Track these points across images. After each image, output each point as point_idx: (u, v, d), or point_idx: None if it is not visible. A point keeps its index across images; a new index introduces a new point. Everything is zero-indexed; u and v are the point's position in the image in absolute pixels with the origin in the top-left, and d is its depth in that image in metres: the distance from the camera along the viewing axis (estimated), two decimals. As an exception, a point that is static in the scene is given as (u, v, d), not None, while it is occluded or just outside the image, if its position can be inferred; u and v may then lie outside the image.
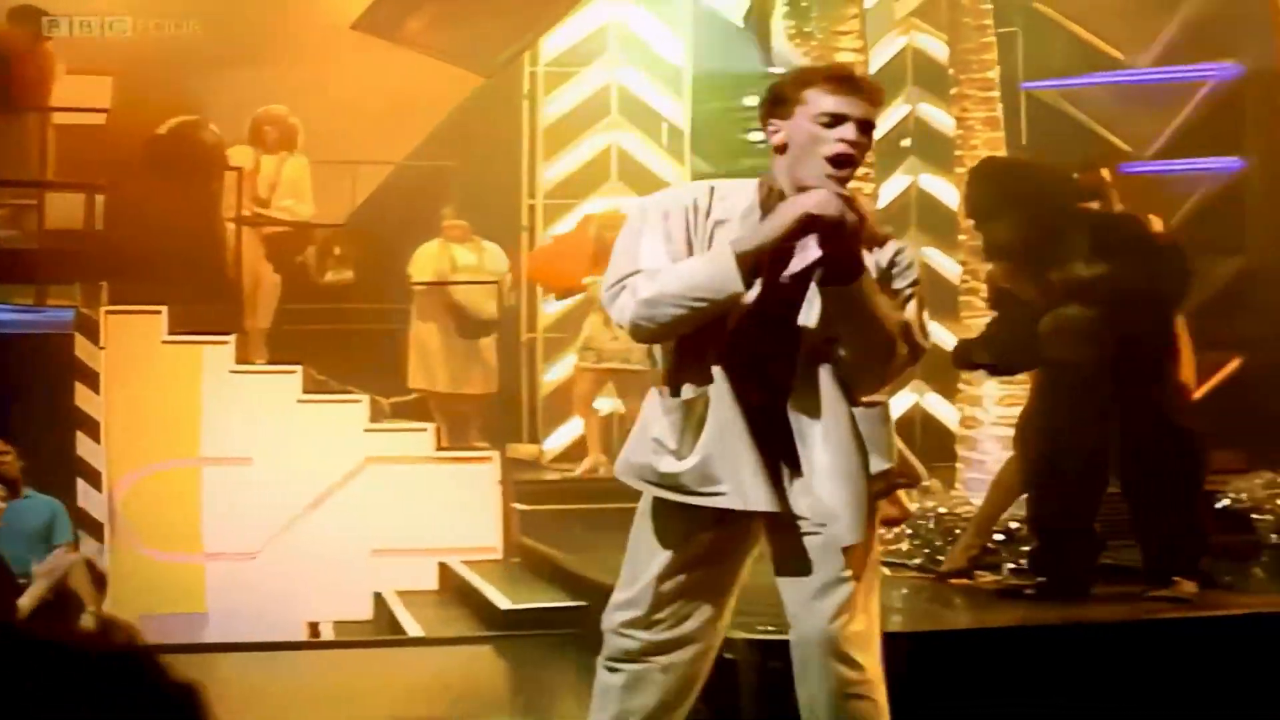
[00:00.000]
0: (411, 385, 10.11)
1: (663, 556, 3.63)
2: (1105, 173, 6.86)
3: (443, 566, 8.76)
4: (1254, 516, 7.68)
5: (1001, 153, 7.80)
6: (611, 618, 3.70)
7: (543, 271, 10.97)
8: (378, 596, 8.57)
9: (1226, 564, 6.58)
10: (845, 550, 3.53)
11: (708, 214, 3.53)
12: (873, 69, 9.45)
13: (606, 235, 10.09)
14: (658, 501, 3.64)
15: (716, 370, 3.50)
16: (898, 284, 3.56)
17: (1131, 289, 5.80)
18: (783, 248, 3.40)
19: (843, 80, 3.51)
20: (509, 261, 10.72)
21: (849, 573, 3.54)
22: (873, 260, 3.48)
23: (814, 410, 3.51)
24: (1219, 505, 7.18)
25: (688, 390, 3.55)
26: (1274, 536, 7.59)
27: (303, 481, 8.81)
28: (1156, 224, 6.59)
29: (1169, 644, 5.62)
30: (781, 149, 3.51)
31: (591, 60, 11.55)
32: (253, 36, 10.47)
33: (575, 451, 10.76)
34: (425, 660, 7.25)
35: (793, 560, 3.59)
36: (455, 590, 8.59)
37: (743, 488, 3.48)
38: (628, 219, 3.70)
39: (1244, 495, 7.70)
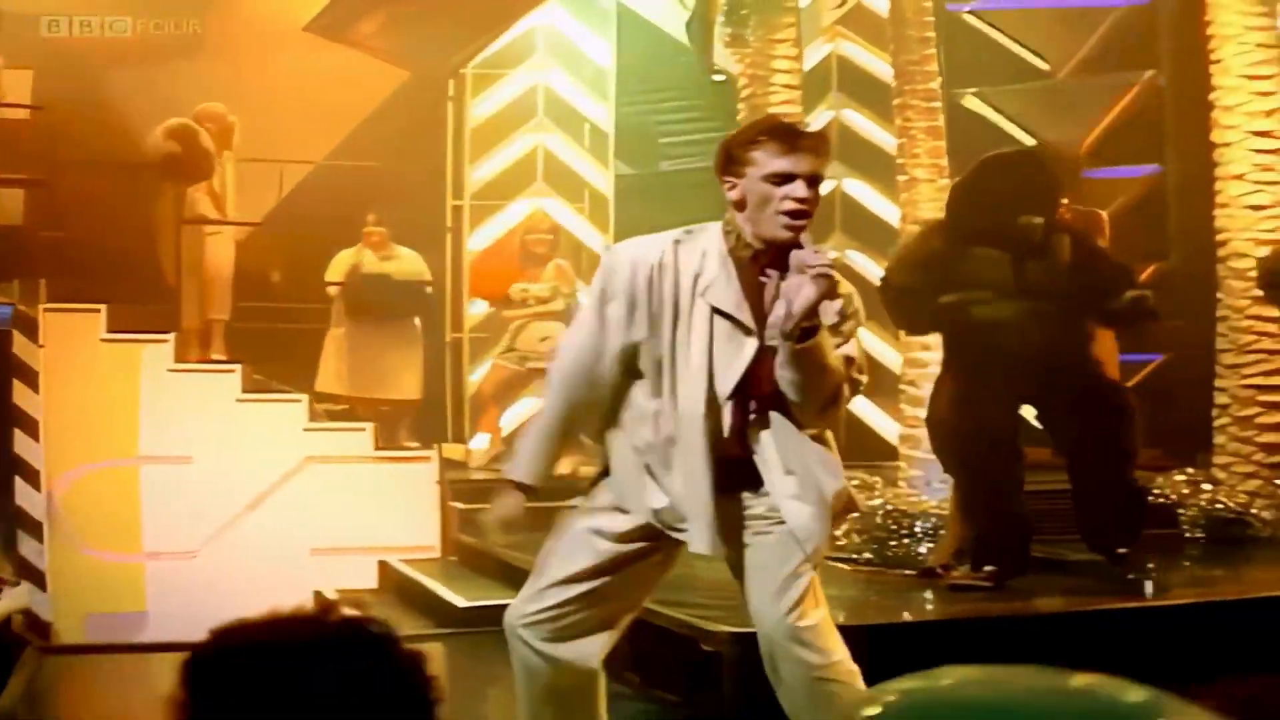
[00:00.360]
0: (319, 389, 10.03)
1: (582, 562, 3.80)
2: None
3: (382, 565, 8.79)
4: (1178, 512, 8.00)
5: (943, 162, 8.02)
6: (516, 612, 3.84)
7: (476, 277, 11.07)
8: (317, 595, 8.57)
9: (1153, 558, 6.87)
10: (803, 549, 3.75)
11: (675, 270, 3.70)
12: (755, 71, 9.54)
13: (529, 240, 10.24)
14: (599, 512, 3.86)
15: (681, 415, 3.71)
16: (846, 326, 3.76)
17: (1090, 296, 6.17)
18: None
19: (787, 139, 3.67)
20: (427, 269, 10.72)
21: (805, 569, 3.76)
22: (831, 308, 3.65)
23: (774, 441, 3.73)
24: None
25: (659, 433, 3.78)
26: (1197, 531, 7.93)
27: (242, 480, 8.79)
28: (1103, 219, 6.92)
29: (1108, 633, 5.87)
30: (740, 205, 3.69)
31: (518, 63, 11.64)
32: (182, 33, 10.44)
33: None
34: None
35: (753, 562, 3.79)
36: (395, 588, 8.63)
37: (695, 530, 3.72)
38: (601, 262, 3.95)
39: (1167, 492, 8.01)
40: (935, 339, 7.33)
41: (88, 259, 8.50)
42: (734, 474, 3.73)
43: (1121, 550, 6.38)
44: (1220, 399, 8.28)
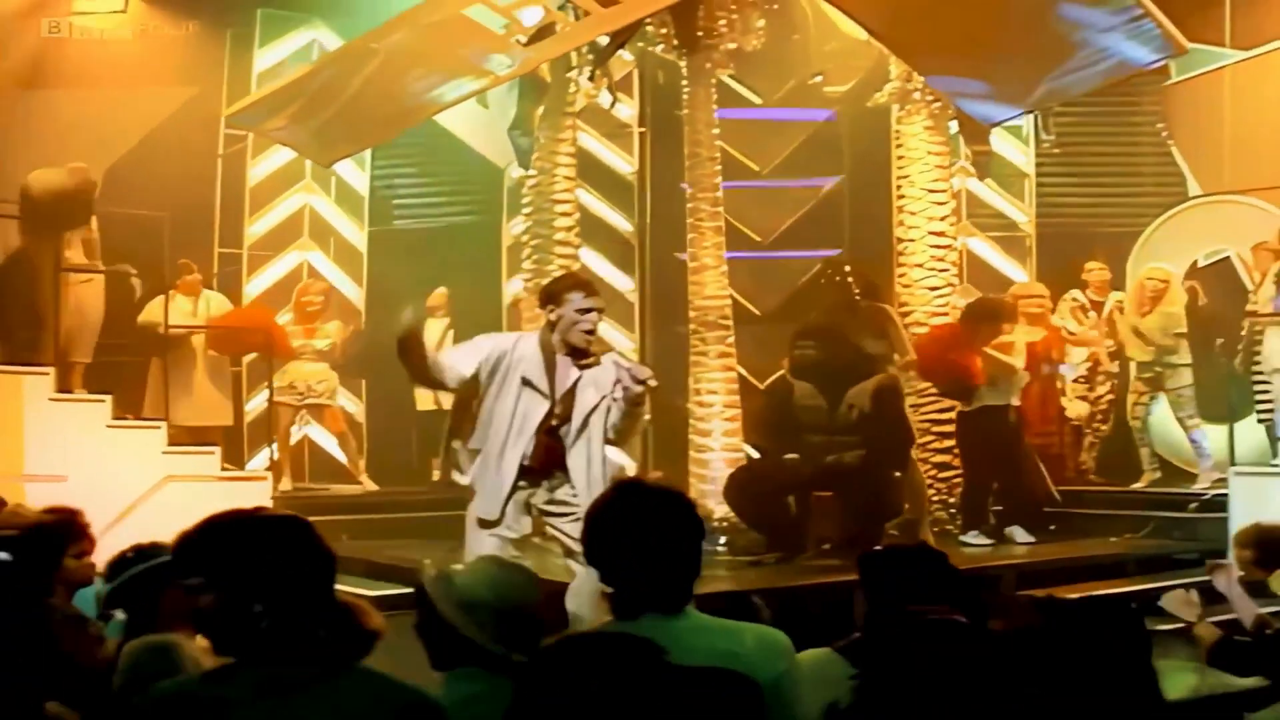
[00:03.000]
0: (169, 419, 11.26)
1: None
2: None
3: (228, 569, 10.28)
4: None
5: (723, 252, 10.27)
6: None
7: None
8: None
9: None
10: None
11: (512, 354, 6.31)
12: (542, 164, 11.64)
13: (304, 300, 11.96)
14: None
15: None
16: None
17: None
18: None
19: (589, 289, 6.36)
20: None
21: None
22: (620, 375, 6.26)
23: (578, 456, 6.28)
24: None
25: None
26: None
27: (111, 497, 9.99)
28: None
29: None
30: (553, 324, 6.23)
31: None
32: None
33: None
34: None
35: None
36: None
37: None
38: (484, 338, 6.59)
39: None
40: (722, 387, 9.76)
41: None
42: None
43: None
44: (903, 430, 10.97)
